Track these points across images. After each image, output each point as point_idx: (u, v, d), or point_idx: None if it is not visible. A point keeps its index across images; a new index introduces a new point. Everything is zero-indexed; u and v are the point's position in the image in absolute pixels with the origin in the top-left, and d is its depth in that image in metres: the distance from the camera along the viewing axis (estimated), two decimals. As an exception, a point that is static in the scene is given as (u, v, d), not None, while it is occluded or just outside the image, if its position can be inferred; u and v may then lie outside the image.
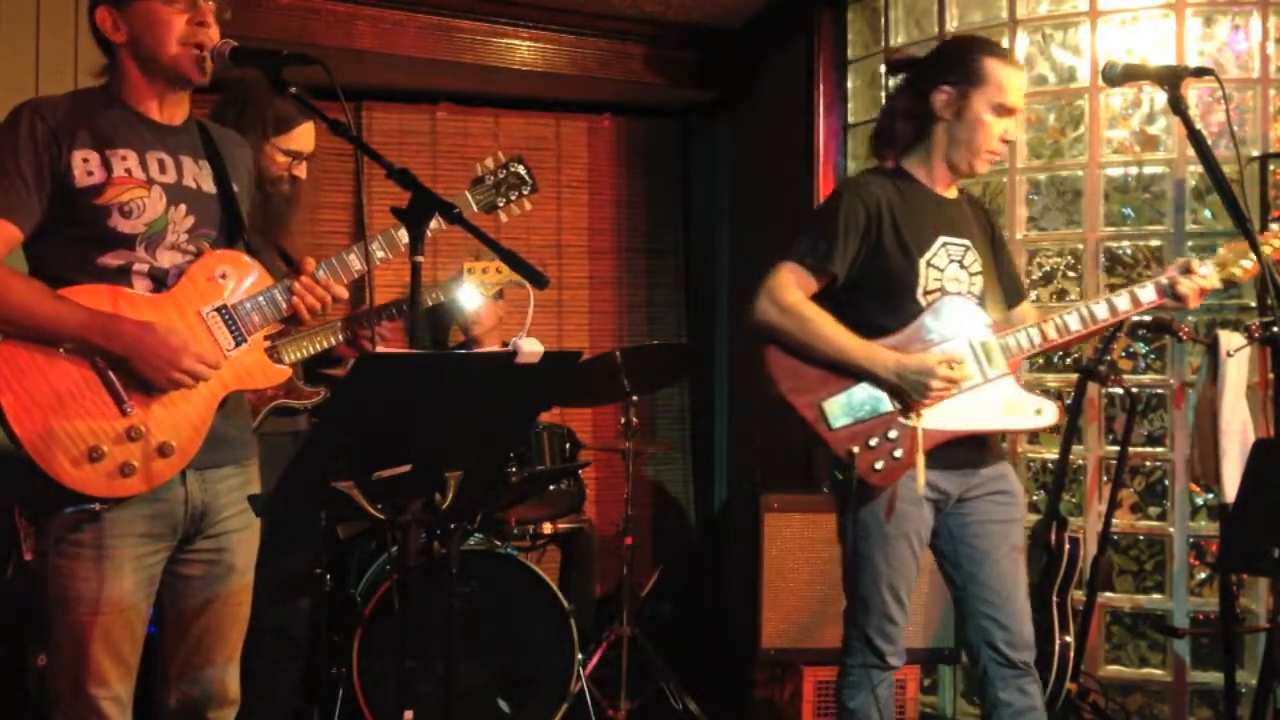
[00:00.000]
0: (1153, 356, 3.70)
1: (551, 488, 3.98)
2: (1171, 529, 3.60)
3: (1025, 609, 2.53)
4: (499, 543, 3.63)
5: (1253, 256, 2.33)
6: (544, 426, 4.04)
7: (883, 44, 4.22)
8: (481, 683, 3.44)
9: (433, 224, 2.03)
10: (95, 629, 1.97)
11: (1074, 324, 2.50)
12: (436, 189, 1.94)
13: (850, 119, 4.47)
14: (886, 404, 2.45)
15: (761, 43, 4.97)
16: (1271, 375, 3.29)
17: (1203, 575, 3.61)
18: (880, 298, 2.50)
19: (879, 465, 2.43)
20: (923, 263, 2.49)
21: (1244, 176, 2.88)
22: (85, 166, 1.99)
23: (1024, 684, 2.49)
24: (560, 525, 4.16)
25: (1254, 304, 3.45)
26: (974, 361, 2.48)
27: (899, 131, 2.60)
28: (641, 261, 5.63)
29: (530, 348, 1.77)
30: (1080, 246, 3.76)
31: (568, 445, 4.07)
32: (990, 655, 2.50)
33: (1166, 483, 3.64)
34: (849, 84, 4.45)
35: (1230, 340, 3.21)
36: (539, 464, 3.89)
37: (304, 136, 2.89)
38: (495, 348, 4.15)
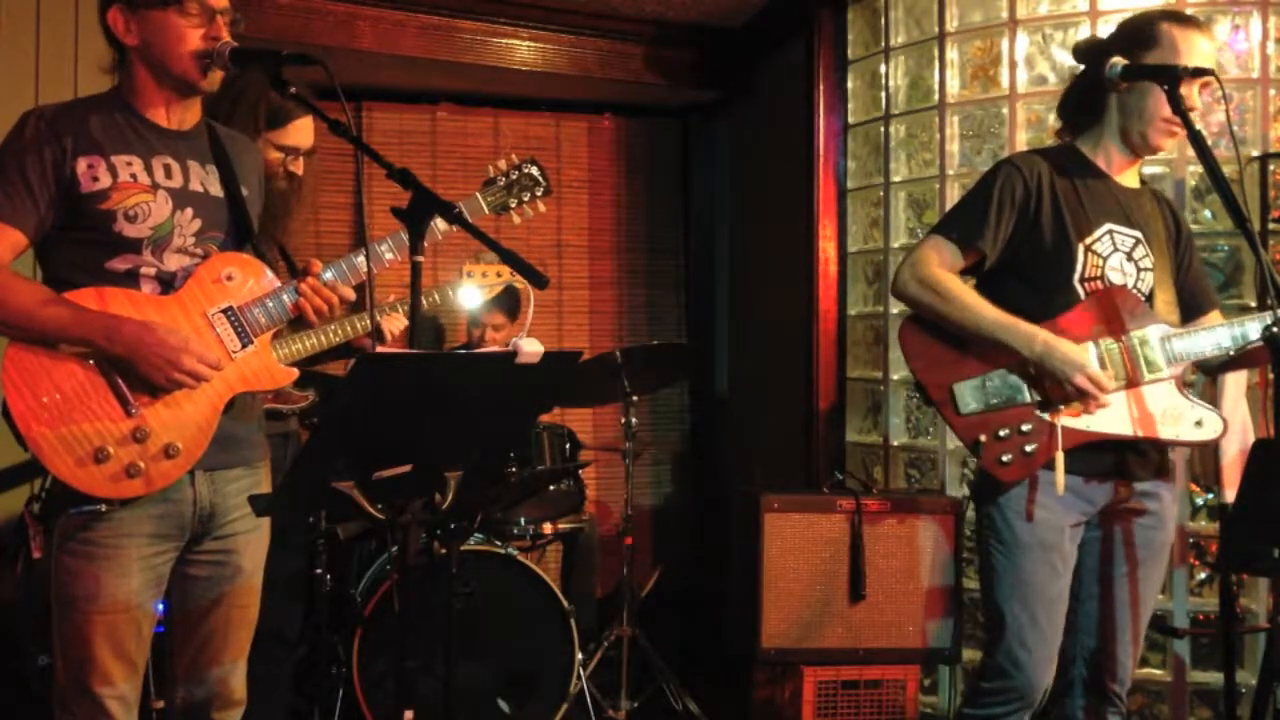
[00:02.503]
0: (1153, 356, 3.69)
1: (551, 488, 3.98)
2: (1171, 529, 3.60)
3: (1135, 643, 2.39)
4: (499, 543, 3.63)
5: None
6: (544, 426, 4.04)
7: (883, 44, 4.22)
8: (481, 683, 3.44)
9: (443, 226, 2.03)
10: (101, 628, 1.98)
11: (1254, 333, 2.30)
12: (436, 189, 1.94)
13: (850, 119, 4.46)
14: (1024, 394, 2.29)
15: (761, 43, 4.97)
16: (1271, 375, 3.28)
17: (1203, 575, 3.60)
18: (1033, 281, 2.34)
19: (1006, 458, 2.27)
20: (1081, 247, 2.33)
21: (1244, 176, 2.88)
22: (90, 172, 2.00)
23: (1106, 713, 2.39)
24: (560, 525, 4.17)
25: (1254, 304, 3.44)
26: (1123, 362, 2.32)
27: (1074, 115, 2.46)
28: (641, 261, 5.63)
29: (530, 348, 1.78)
30: (1080, 246, 3.75)
31: (568, 445, 4.07)
32: (1082, 672, 2.39)
33: (1166, 483, 3.64)
34: (849, 84, 4.45)
35: (1230, 340, 3.20)
36: (539, 464, 3.90)
37: (300, 132, 2.85)
38: (497, 347, 4.16)
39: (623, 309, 5.59)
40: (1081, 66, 2.50)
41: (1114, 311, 2.33)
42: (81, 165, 1.99)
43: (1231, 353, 2.36)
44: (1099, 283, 2.34)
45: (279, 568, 2.96)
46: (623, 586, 3.94)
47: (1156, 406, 2.32)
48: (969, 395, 2.32)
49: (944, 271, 2.34)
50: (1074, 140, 2.48)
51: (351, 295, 2.22)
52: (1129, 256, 2.37)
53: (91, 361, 1.96)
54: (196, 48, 2.03)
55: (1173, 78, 2.20)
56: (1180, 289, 2.47)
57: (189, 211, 2.08)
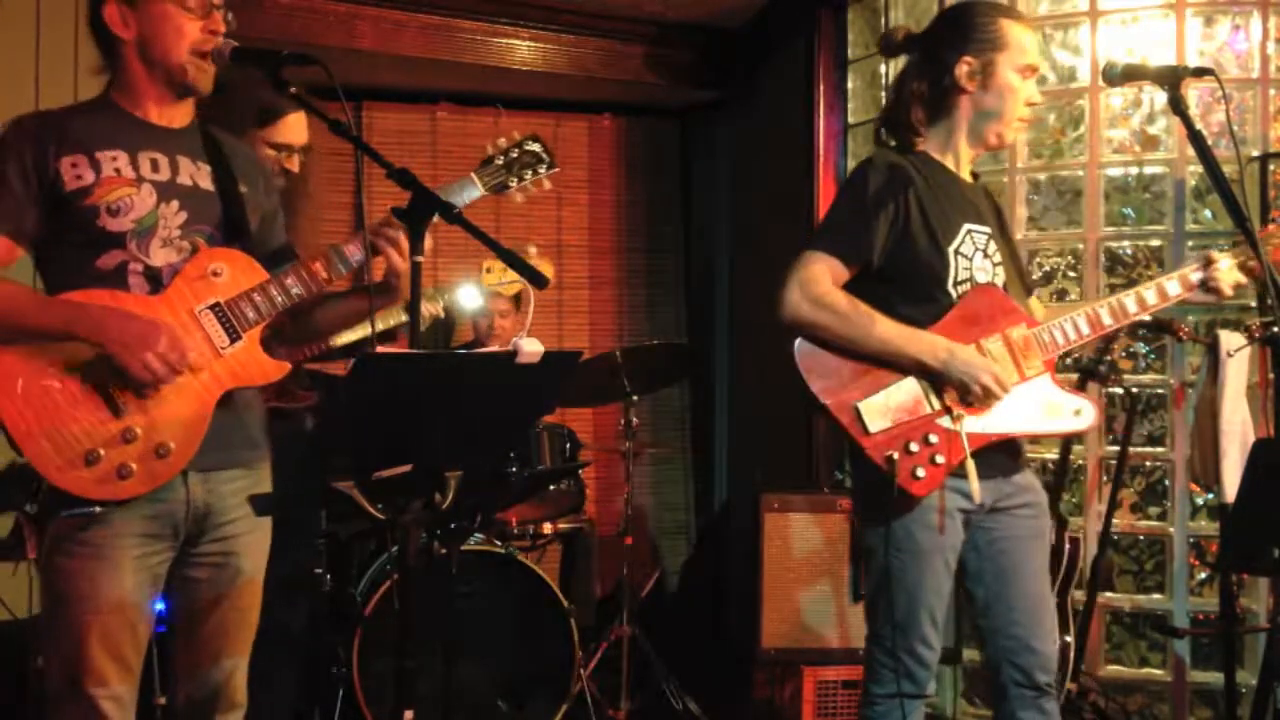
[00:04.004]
0: (1153, 356, 3.70)
1: (551, 488, 3.98)
2: (1171, 529, 3.60)
3: (1052, 629, 2.40)
4: (499, 543, 3.63)
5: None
6: (544, 426, 4.03)
7: (883, 44, 4.22)
8: (481, 683, 3.44)
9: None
10: (94, 628, 1.96)
11: (1105, 317, 2.37)
12: (436, 189, 1.94)
13: (850, 119, 4.47)
14: (925, 405, 2.28)
15: (761, 43, 4.97)
16: (1271, 375, 3.29)
17: (1203, 575, 3.61)
18: (909, 289, 2.32)
19: (921, 472, 2.24)
20: (951, 251, 2.32)
21: (1244, 176, 2.88)
22: (74, 171, 1.98)
23: (1044, 703, 2.38)
24: (560, 525, 4.17)
25: (1254, 304, 3.45)
26: (1009, 358, 2.33)
27: (912, 116, 2.42)
28: (641, 261, 5.63)
29: (530, 348, 1.77)
30: (1080, 246, 3.76)
31: (568, 445, 4.07)
32: (1012, 674, 2.38)
33: (1166, 483, 3.64)
34: (849, 84, 4.45)
35: (1230, 340, 3.21)
36: (539, 464, 3.90)
37: (292, 128, 2.79)
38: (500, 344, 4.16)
39: (623, 309, 5.59)
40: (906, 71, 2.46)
41: (985, 310, 2.33)
42: (65, 165, 1.98)
43: (1089, 339, 2.40)
44: (969, 284, 2.34)
45: (286, 566, 2.97)
46: (623, 586, 3.94)
47: (1039, 400, 2.34)
48: (875, 413, 2.27)
49: (837, 290, 2.30)
50: (917, 144, 2.44)
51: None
52: (985, 253, 2.38)
53: (76, 361, 1.93)
54: (195, 41, 2.02)
55: (1175, 79, 2.20)
56: (1017, 276, 2.48)
57: (174, 204, 2.06)
